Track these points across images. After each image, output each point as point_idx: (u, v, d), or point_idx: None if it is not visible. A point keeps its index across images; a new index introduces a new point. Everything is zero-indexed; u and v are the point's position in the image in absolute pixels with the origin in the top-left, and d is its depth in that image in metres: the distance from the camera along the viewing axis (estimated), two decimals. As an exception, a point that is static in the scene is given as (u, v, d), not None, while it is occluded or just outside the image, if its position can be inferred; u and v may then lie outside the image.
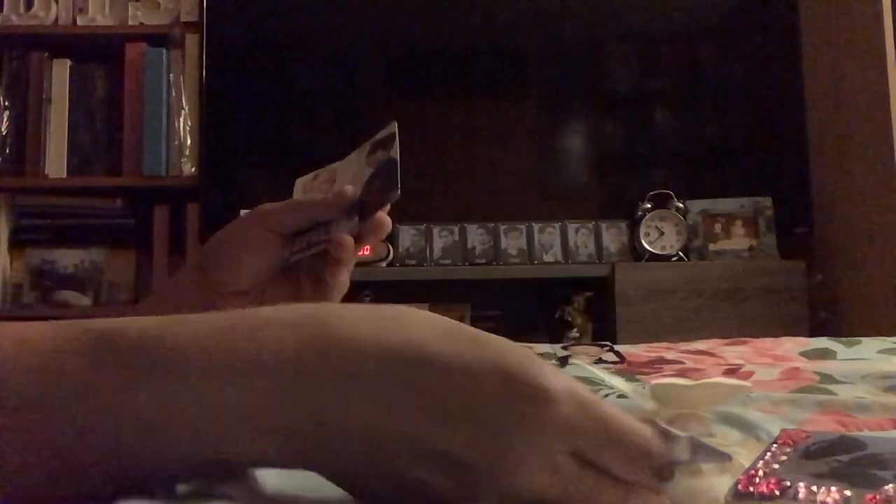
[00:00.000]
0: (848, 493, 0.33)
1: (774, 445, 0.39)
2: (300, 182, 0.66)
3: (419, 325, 0.31)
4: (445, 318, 0.32)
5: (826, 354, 0.85)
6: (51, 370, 0.29)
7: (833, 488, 0.33)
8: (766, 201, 2.15)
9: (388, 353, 0.30)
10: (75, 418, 0.29)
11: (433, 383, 0.30)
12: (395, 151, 0.53)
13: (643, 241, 2.13)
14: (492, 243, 2.17)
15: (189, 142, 2.18)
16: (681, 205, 2.15)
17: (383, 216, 0.55)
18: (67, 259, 2.18)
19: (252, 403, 0.29)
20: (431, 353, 0.30)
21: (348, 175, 0.57)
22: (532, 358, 0.31)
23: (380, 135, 0.56)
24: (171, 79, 2.19)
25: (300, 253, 0.56)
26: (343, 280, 0.56)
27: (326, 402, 0.30)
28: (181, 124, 2.18)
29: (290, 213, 0.57)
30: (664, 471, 0.32)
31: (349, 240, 0.54)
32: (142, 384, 0.29)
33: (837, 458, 0.38)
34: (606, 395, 0.59)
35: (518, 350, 0.31)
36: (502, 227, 2.18)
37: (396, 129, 0.55)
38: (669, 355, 0.87)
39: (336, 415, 0.30)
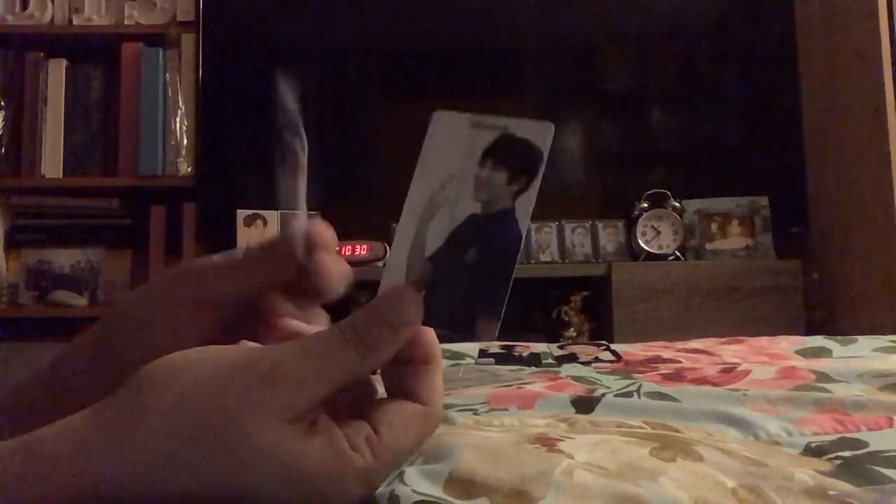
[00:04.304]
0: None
1: None
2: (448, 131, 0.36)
3: None
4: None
5: (822, 353, 0.85)
6: None
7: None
8: (763, 201, 2.16)
9: None
10: None
11: None
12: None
13: (640, 241, 2.13)
14: (489, 243, 2.17)
15: (185, 142, 2.18)
16: (677, 204, 2.15)
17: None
18: (64, 259, 2.18)
19: None
20: None
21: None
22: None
23: (509, 129, 0.34)
24: (168, 78, 2.18)
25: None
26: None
27: None
28: (177, 124, 2.17)
29: (229, 274, 0.39)
30: None
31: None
32: None
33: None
34: (603, 395, 0.59)
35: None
36: (499, 227, 2.18)
37: (544, 143, 0.33)
38: (666, 354, 0.87)
39: None
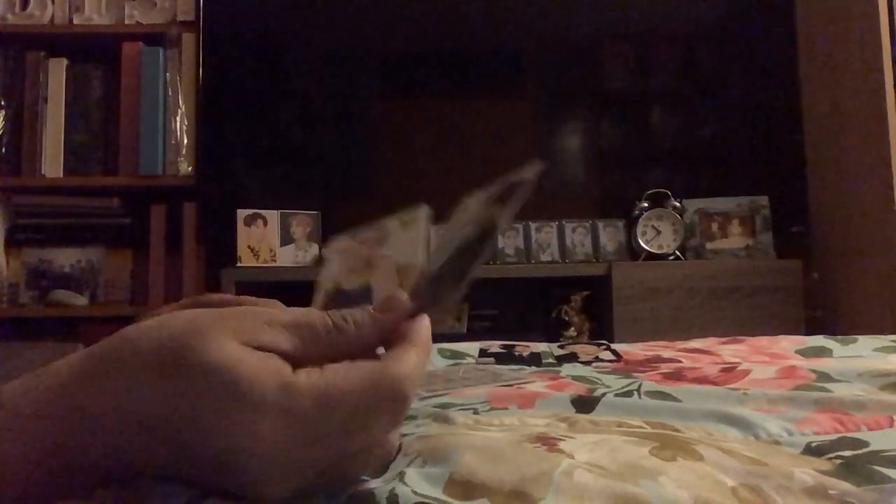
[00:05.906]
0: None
1: None
2: (336, 249, 0.43)
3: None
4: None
5: (822, 352, 0.85)
6: None
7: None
8: (763, 200, 2.15)
9: None
10: None
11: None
12: (506, 215, 0.37)
13: (640, 240, 2.13)
14: (489, 242, 2.17)
15: (185, 141, 2.17)
16: (678, 204, 2.15)
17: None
18: (64, 258, 2.18)
19: None
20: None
21: (403, 243, 0.40)
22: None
23: (511, 179, 0.38)
24: (168, 78, 2.18)
25: None
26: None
27: None
28: (178, 123, 2.17)
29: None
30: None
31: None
32: None
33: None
34: (603, 394, 0.59)
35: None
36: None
37: (531, 177, 0.37)
38: (666, 354, 0.87)
39: None
